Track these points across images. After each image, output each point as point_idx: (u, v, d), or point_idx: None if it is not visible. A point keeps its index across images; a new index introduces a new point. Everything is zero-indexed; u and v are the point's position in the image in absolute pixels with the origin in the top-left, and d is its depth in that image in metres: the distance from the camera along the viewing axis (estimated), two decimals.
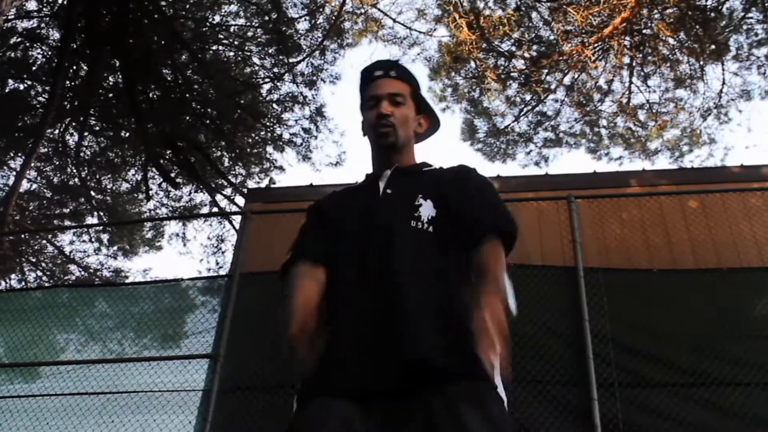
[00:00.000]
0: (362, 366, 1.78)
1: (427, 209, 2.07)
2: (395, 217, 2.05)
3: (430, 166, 2.31)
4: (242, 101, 14.55)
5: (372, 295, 1.89)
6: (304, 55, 14.17)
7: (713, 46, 12.42)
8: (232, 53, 14.98)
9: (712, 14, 12.27)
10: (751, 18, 12.58)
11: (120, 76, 14.06)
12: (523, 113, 14.11)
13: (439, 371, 1.72)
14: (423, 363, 1.73)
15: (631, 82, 13.35)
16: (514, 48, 13.23)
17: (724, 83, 13.02)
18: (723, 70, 12.91)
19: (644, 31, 12.73)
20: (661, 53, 12.88)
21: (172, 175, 15.39)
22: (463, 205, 2.09)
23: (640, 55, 13.02)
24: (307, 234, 2.27)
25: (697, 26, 12.23)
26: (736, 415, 5.17)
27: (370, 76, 2.31)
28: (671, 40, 12.61)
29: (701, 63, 12.85)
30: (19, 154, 14.85)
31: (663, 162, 14.39)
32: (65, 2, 13.06)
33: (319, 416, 1.71)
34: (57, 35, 13.71)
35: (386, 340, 1.79)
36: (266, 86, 15.07)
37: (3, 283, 16.74)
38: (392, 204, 2.11)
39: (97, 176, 16.49)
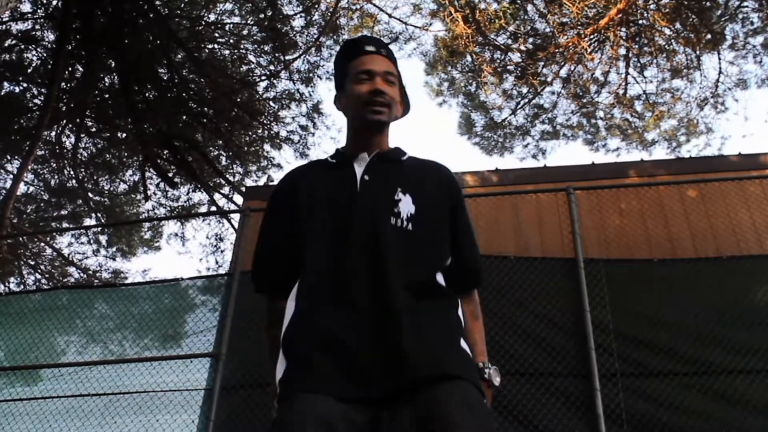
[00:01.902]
0: (350, 372, 1.71)
1: (406, 205, 1.98)
2: (376, 211, 1.95)
3: (405, 153, 2.20)
4: (239, 99, 14.54)
5: (360, 298, 1.81)
6: (300, 52, 14.17)
7: (709, 36, 12.42)
8: (227, 51, 14.97)
9: (708, 3, 12.26)
10: (747, 7, 12.60)
11: (116, 77, 14.05)
12: (520, 106, 14.12)
13: (431, 380, 1.67)
14: (421, 379, 1.68)
15: (627, 73, 13.36)
16: (510, 41, 13.22)
17: (720, 72, 13.05)
18: (719, 59, 12.93)
19: (640, 21, 12.72)
20: (657, 44, 12.88)
21: (170, 174, 15.40)
22: (461, 239, 2.12)
23: (636, 46, 13.01)
24: (270, 240, 2.17)
25: (693, 16, 12.22)
26: (738, 402, 5.17)
27: (359, 48, 2.18)
28: (667, 31, 12.60)
29: (697, 53, 12.86)
30: (16, 157, 14.85)
31: (661, 152, 14.43)
32: (60, 3, 13.02)
33: (302, 416, 1.63)
34: (52, 37, 13.71)
35: (379, 348, 1.73)
36: (263, 84, 15.09)
37: (2, 287, 16.74)
38: (372, 196, 2.00)
39: (95, 177, 16.49)
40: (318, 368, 1.73)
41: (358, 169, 2.08)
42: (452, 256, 2.05)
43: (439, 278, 1.97)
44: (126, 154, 15.94)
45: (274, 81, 14.85)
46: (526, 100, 14.08)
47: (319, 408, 1.64)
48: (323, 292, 1.86)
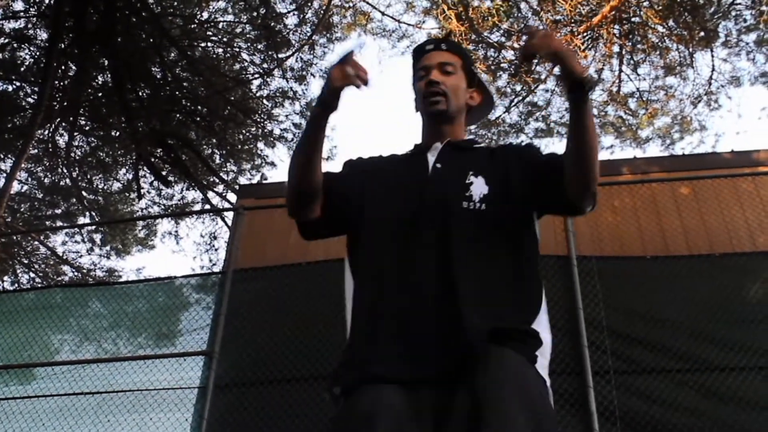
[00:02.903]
0: (413, 352, 1.73)
1: (478, 187, 1.99)
2: (447, 196, 1.97)
3: (479, 142, 2.25)
4: (232, 98, 14.51)
5: (426, 280, 1.83)
6: (294, 50, 14.15)
7: (702, 33, 12.43)
8: (221, 50, 14.94)
9: (701, 1, 12.27)
10: (740, 4, 12.60)
11: (109, 75, 14.01)
12: (513, 104, 14.11)
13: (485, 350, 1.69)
14: (473, 350, 1.69)
15: (621, 71, 13.37)
16: (503, 38, 13.22)
17: (713, 70, 13.05)
18: (712, 56, 12.93)
19: (633, 19, 12.73)
20: (650, 41, 12.88)
21: (164, 173, 15.37)
22: (550, 158, 2.06)
23: (630, 44, 13.02)
24: (335, 175, 2.16)
25: (686, 13, 12.23)
26: (731, 399, 5.19)
27: (421, 50, 2.26)
28: (660, 28, 12.62)
29: (690, 50, 12.86)
30: (9, 156, 14.79)
31: (654, 150, 14.43)
32: (52, 2, 12.98)
33: (370, 410, 1.63)
34: (45, 35, 13.66)
35: (440, 327, 1.75)
36: (256, 82, 15.07)
37: None
38: (443, 181, 2.02)
39: (88, 176, 16.45)
40: (382, 347, 1.77)
41: (431, 158, 2.10)
42: (551, 171, 1.98)
43: (514, 258, 1.96)
44: (119, 152, 15.89)
45: (268, 79, 14.85)
46: (520, 98, 14.07)
47: (385, 402, 1.65)
48: (386, 272, 1.89)
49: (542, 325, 1.96)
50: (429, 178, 2.05)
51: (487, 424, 1.53)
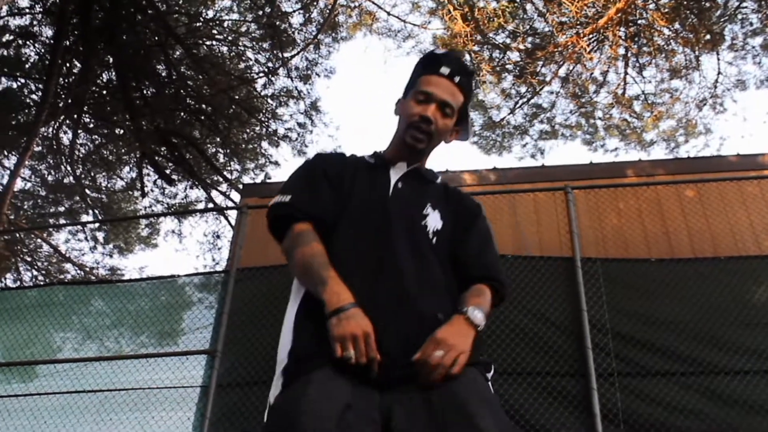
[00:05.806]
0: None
1: (433, 220, 2.03)
2: (409, 213, 2.01)
3: (438, 176, 2.25)
4: (237, 96, 14.53)
5: (387, 289, 1.84)
6: (299, 50, 14.17)
7: (708, 36, 12.42)
8: (226, 48, 14.96)
9: (707, 4, 12.26)
10: (746, 7, 12.60)
11: (114, 73, 14.03)
12: (518, 105, 14.12)
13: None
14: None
15: (626, 73, 13.36)
16: (508, 40, 13.22)
17: (719, 73, 13.05)
18: (718, 59, 12.94)
19: (639, 21, 12.72)
20: (656, 44, 12.88)
21: (167, 171, 15.38)
22: (471, 240, 2.11)
23: (635, 46, 13.01)
24: (310, 182, 2.10)
25: (692, 16, 12.22)
26: (735, 402, 5.16)
27: (436, 66, 2.12)
28: (666, 31, 12.60)
29: (696, 53, 12.85)
30: (13, 153, 14.82)
31: (659, 153, 14.44)
32: None
33: (321, 394, 1.63)
34: (50, 32, 13.67)
35: (394, 337, 1.77)
36: (261, 81, 15.09)
37: None
38: (405, 201, 2.04)
39: (92, 174, 16.48)
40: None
41: (393, 176, 2.11)
42: (461, 251, 2.07)
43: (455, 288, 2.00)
44: (123, 150, 15.94)
45: (272, 78, 14.87)
46: (525, 100, 14.08)
47: (334, 390, 1.65)
48: (353, 275, 1.87)
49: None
50: (391, 196, 2.05)
51: (481, 417, 1.61)
